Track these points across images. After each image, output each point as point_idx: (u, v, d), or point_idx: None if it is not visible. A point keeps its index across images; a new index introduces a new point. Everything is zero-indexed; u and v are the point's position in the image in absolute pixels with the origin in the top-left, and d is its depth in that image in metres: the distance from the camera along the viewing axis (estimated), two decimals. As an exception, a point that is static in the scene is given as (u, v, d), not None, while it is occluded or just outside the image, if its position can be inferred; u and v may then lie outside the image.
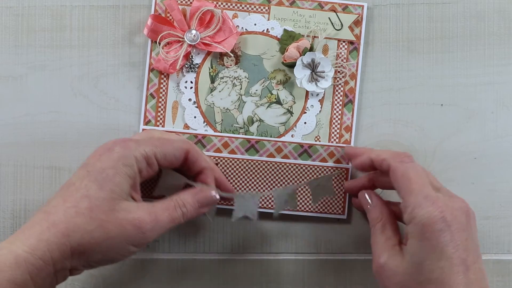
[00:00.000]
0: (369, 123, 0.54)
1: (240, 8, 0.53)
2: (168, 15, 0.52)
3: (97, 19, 0.53)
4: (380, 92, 0.54)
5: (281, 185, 0.53)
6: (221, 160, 0.52)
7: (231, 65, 0.53)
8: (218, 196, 0.47)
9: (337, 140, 0.53)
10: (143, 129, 0.52)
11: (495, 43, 0.54)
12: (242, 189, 0.52)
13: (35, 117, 0.53)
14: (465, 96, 0.54)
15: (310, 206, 0.52)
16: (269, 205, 0.52)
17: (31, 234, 0.41)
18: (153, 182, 0.49)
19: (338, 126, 0.53)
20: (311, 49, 0.52)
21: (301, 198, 0.52)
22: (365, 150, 0.50)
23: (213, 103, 0.53)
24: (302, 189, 0.52)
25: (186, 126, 0.53)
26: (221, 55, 0.53)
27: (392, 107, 0.54)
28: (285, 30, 0.53)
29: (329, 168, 0.53)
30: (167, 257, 0.53)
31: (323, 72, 0.52)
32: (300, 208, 0.52)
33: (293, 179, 0.53)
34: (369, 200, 0.48)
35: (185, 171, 0.48)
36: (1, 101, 0.53)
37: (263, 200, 0.52)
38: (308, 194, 0.52)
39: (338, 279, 0.54)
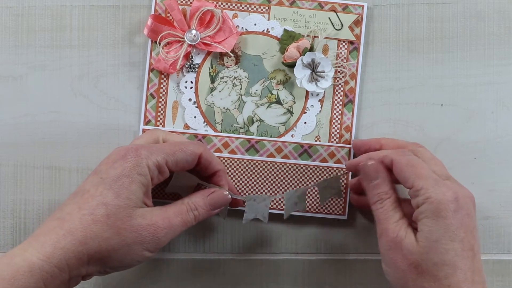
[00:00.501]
0: (369, 123, 0.54)
1: (240, 8, 0.53)
2: (168, 15, 0.52)
3: (97, 19, 0.53)
4: (380, 92, 0.54)
5: (281, 185, 0.52)
6: (221, 160, 0.52)
7: (231, 65, 0.53)
8: (230, 196, 0.48)
9: (337, 140, 0.53)
10: (143, 129, 0.52)
11: (495, 43, 0.54)
12: (243, 189, 0.52)
13: (35, 117, 0.53)
14: (465, 96, 0.54)
15: (315, 207, 0.52)
16: (277, 207, 0.52)
17: (45, 242, 0.41)
18: (165, 180, 0.49)
19: (338, 126, 0.53)
20: (311, 49, 0.52)
21: (308, 199, 0.52)
22: (373, 142, 0.51)
23: (213, 103, 0.53)
24: (311, 191, 0.52)
25: (186, 126, 0.53)
26: (221, 55, 0.53)
27: (392, 107, 0.54)
28: (285, 30, 0.53)
29: (330, 168, 0.53)
30: (167, 257, 0.53)
31: (323, 72, 0.52)
32: (306, 209, 0.52)
33: (294, 179, 0.53)
34: (379, 173, 0.46)
35: (198, 172, 0.49)
36: (1, 101, 0.53)
37: (273, 202, 0.52)
38: (316, 195, 0.52)
39: (338, 279, 0.54)
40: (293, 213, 0.52)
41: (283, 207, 0.51)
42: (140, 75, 0.53)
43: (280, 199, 0.52)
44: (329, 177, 0.52)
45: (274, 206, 0.52)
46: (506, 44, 0.54)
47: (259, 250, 0.54)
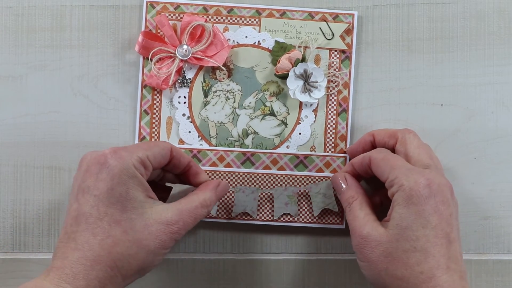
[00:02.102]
0: (369, 123, 0.54)
1: (231, 21, 0.53)
2: (159, 31, 0.52)
3: (97, 19, 0.53)
4: (380, 92, 0.54)
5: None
6: (217, 174, 0.52)
7: (223, 78, 0.53)
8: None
9: (332, 150, 0.53)
10: None
11: (495, 43, 0.54)
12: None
13: (35, 117, 0.53)
14: (465, 96, 0.54)
15: (310, 217, 0.52)
16: (267, 218, 0.52)
17: (76, 275, 0.40)
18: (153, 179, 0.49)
19: (333, 135, 0.53)
20: (303, 59, 0.52)
21: (301, 209, 0.52)
22: (365, 136, 0.51)
23: (207, 117, 0.53)
24: (302, 194, 0.52)
25: (181, 141, 0.53)
26: (214, 69, 0.53)
27: (392, 107, 0.54)
28: (276, 41, 0.53)
29: (326, 178, 0.52)
30: (167, 257, 0.53)
31: (316, 82, 0.52)
32: (299, 219, 0.52)
33: None
34: (342, 184, 0.48)
35: (170, 170, 0.49)
36: (1, 101, 0.53)
37: (262, 201, 0.52)
38: (309, 203, 0.52)
39: (338, 279, 0.54)
40: (290, 224, 0.52)
41: (273, 214, 0.52)
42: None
43: (271, 196, 0.52)
44: (319, 181, 0.52)
45: (270, 218, 0.52)
46: (506, 44, 0.54)
47: (259, 250, 0.54)
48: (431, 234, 0.41)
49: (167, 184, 0.50)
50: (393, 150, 0.49)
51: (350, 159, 0.52)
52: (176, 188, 0.52)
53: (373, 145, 0.51)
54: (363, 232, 0.44)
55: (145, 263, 0.42)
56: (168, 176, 0.50)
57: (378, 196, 0.51)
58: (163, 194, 0.50)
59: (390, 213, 0.44)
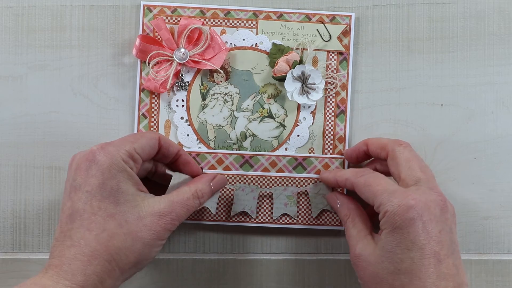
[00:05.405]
0: (369, 123, 0.54)
1: (228, 24, 0.53)
2: (156, 34, 0.52)
3: (97, 19, 0.53)
4: (380, 92, 0.54)
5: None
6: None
7: (221, 81, 0.53)
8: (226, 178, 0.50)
9: (331, 152, 0.53)
10: None
11: (495, 43, 0.54)
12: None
13: (35, 117, 0.53)
14: (465, 96, 0.54)
15: (310, 219, 0.52)
16: (266, 220, 0.52)
17: (74, 271, 0.40)
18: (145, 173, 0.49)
19: (331, 137, 0.53)
20: (301, 61, 0.52)
21: (300, 210, 0.52)
22: (360, 144, 0.51)
23: (205, 120, 0.53)
24: (301, 194, 0.52)
25: (180, 144, 0.53)
26: (211, 72, 0.53)
27: (392, 107, 0.54)
28: (273, 43, 0.53)
29: None
30: (167, 257, 0.53)
31: (314, 84, 0.52)
32: (298, 221, 0.52)
33: None
34: (337, 200, 0.49)
35: (159, 160, 0.49)
36: (1, 101, 0.53)
37: (262, 201, 0.52)
38: (308, 204, 0.52)
39: (338, 279, 0.54)
40: (289, 226, 0.52)
41: (271, 216, 0.52)
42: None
43: (268, 194, 0.52)
44: (319, 182, 0.52)
45: (263, 219, 0.52)
46: (506, 44, 0.54)
47: (259, 250, 0.54)
48: (417, 256, 0.41)
49: (168, 171, 0.50)
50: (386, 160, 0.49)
51: (348, 162, 0.52)
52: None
53: (367, 154, 0.51)
54: (355, 252, 0.45)
55: (141, 255, 0.43)
56: (160, 168, 0.50)
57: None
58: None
59: (379, 233, 0.44)
